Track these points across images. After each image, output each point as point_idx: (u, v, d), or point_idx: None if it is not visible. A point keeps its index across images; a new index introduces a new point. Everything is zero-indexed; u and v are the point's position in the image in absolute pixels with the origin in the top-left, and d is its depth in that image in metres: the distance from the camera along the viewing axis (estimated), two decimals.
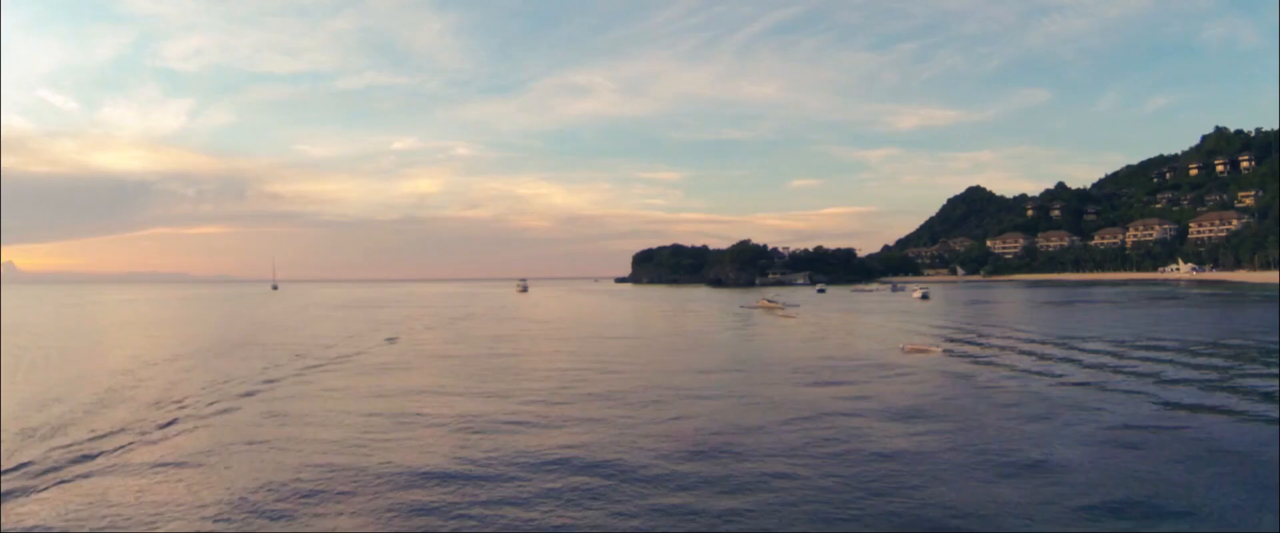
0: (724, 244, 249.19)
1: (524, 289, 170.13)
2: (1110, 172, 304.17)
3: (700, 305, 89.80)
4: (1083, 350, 33.08)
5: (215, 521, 11.57)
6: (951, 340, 38.70)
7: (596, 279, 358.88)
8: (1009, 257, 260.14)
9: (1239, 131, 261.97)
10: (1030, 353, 32.91)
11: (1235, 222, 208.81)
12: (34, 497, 12.90)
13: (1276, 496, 11.36)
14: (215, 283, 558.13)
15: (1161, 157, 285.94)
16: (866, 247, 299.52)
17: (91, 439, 17.14)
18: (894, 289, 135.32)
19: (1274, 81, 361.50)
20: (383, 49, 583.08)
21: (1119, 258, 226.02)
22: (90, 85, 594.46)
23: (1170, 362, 28.63)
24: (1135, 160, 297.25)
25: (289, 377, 27.60)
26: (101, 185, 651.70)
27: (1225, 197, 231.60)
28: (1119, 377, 25.08)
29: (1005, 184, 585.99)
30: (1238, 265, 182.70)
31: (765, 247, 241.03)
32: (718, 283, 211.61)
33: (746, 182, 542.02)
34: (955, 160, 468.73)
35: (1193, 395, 21.35)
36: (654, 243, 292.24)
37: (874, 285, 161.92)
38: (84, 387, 25.55)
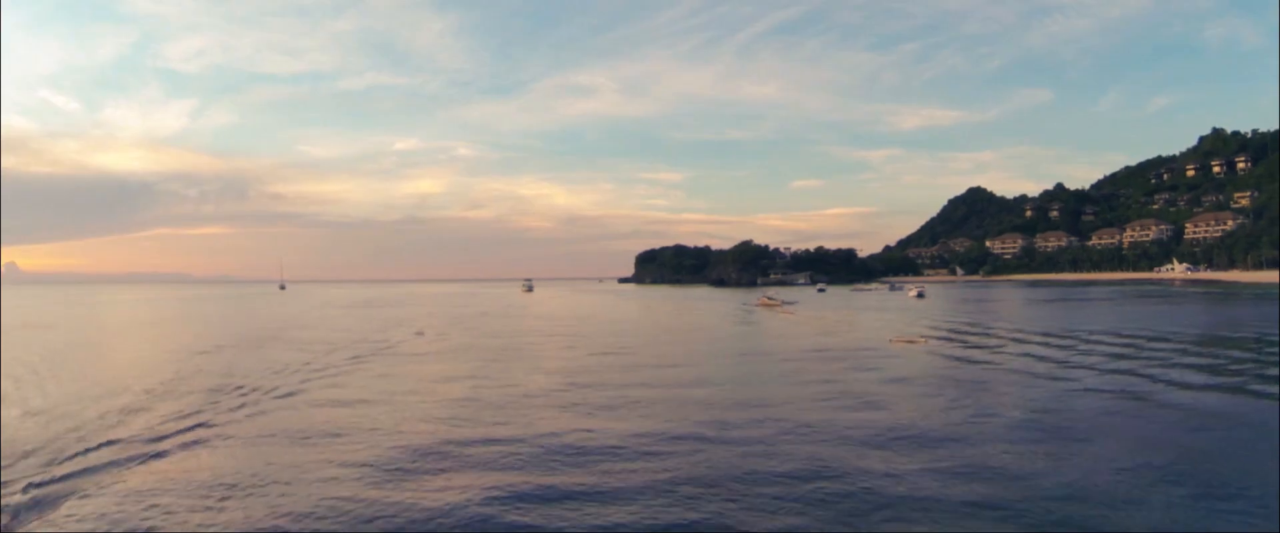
0: (726, 244, 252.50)
1: (529, 289, 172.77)
2: (1112, 172, 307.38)
3: (704, 304, 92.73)
4: (1053, 340, 35.99)
5: (344, 480, 14.45)
6: (939, 333, 41.59)
7: (600, 279, 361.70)
8: (1008, 257, 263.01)
9: (1236, 133, 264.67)
10: (1007, 342, 35.80)
11: (1230, 222, 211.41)
12: (152, 463, 15.73)
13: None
14: (217, 283, 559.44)
15: (1159, 158, 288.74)
16: (868, 247, 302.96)
17: (179, 416, 19.82)
18: (892, 289, 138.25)
19: (1274, 82, 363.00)
20: (383, 49, 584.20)
21: (1116, 258, 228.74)
22: (92, 86, 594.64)
23: (1131, 348, 31.49)
24: (1137, 161, 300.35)
25: (343, 362, 30.62)
26: (103, 186, 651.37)
27: (1221, 197, 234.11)
28: (1077, 357, 28.00)
29: (1007, 184, 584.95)
30: (1231, 265, 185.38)
31: (767, 247, 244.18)
32: (720, 283, 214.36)
33: (748, 182, 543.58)
34: (956, 161, 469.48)
35: (1137, 371, 24.19)
36: (656, 243, 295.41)
37: (874, 285, 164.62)
38: (148, 375, 28.26)
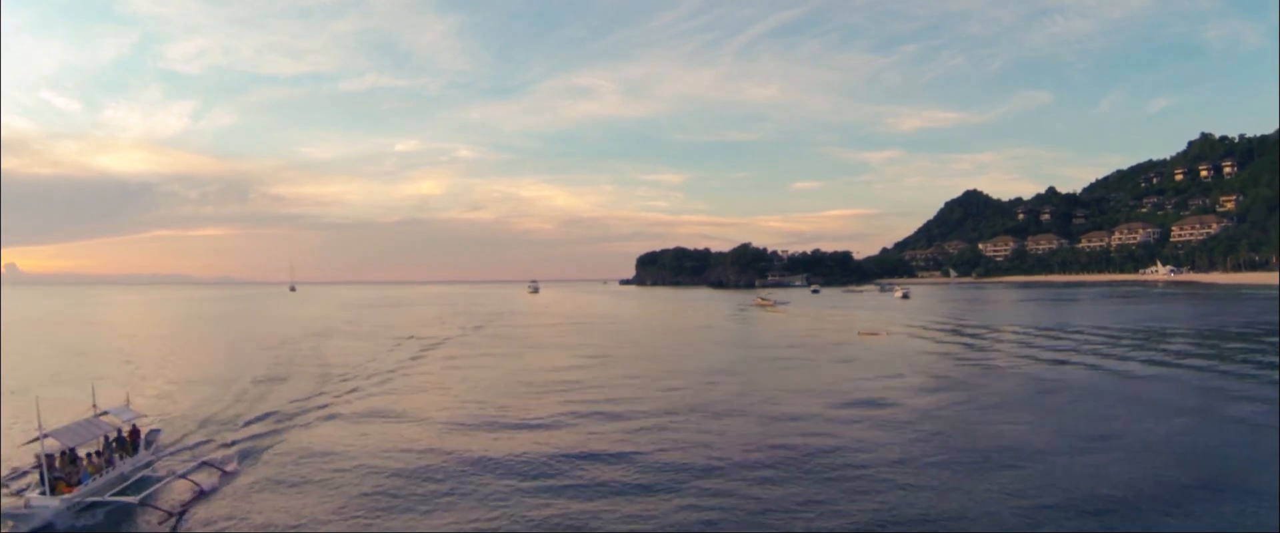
0: (726, 246, 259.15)
1: (535, 290, 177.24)
2: (1104, 175, 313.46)
3: (706, 304, 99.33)
4: (993, 331, 42.61)
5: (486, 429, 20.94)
6: (904, 327, 48.17)
7: (605, 281, 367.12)
8: (1000, 259, 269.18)
9: (1224, 137, 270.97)
10: (954, 333, 42.38)
11: (1214, 225, 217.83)
12: (317, 427, 22.12)
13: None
14: (219, 285, 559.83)
15: (1150, 162, 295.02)
16: (868, 249, 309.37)
17: (322, 392, 25.95)
18: (882, 290, 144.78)
19: (1274, 84, 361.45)
20: (385, 51, 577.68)
21: (1104, 260, 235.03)
22: (93, 87, 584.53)
23: (1049, 340, 38.02)
24: (1135, 163, 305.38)
25: (425, 351, 37.55)
26: (104, 187, 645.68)
27: (1207, 201, 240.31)
28: (993, 342, 34.60)
29: (1008, 186, 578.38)
30: (1212, 267, 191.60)
31: (765, 250, 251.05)
32: (719, 285, 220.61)
33: (749, 183, 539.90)
34: (958, 162, 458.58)
35: (1030, 357, 30.76)
36: (656, 245, 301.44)
37: (865, 287, 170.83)
38: (249, 363, 34.55)
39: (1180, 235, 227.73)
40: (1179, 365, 27.66)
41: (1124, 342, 36.35)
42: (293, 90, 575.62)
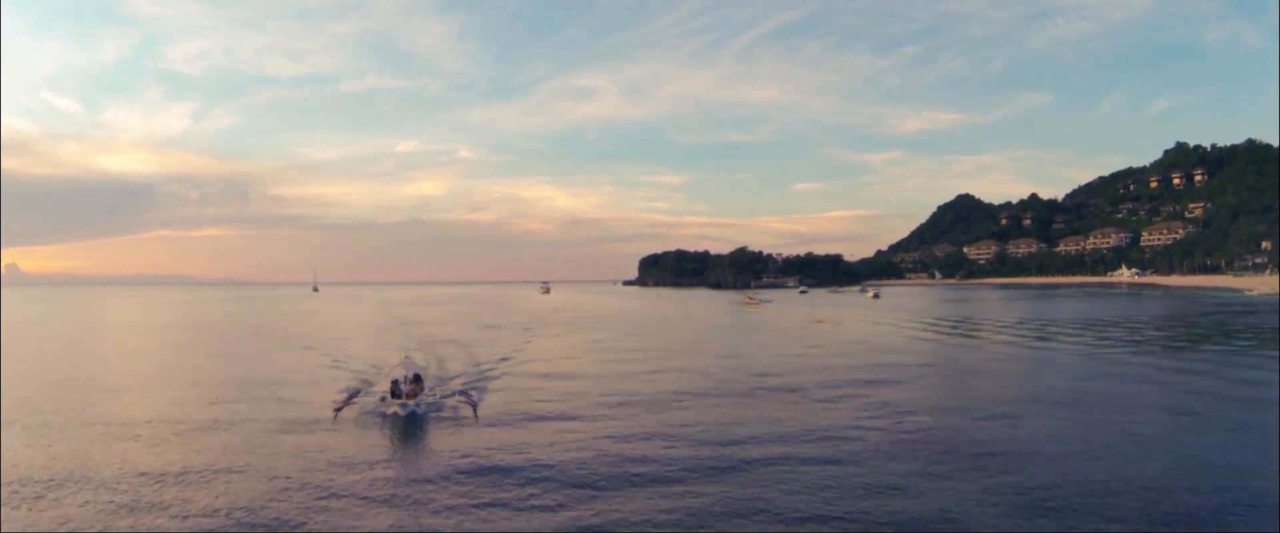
0: (726, 248, 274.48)
1: (546, 291, 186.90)
2: (1086, 182, 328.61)
3: (702, 303, 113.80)
4: (916, 319, 56.92)
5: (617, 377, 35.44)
6: (858, 318, 62.59)
7: (614, 282, 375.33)
8: (982, 262, 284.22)
9: (1198, 147, 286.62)
10: (895, 324, 56.69)
11: (1181, 231, 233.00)
12: (507, 378, 36.34)
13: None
14: (221, 285, 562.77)
15: (1129, 169, 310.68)
16: (867, 250, 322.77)
17: (478, 361, 39.80)
18: (861, 291, 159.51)
19: (1274, 85, 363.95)
20: (385, 52, 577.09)
21: (1077, 263, 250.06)
22: (93, 88, 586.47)
23: (974, 329, 52.31)
24: (1131, 166, 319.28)
25: (527, 333, 51.11)
26: (104, 188, 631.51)
27: (1177, 207, 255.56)
28: (911, 327, 48.97)
29: (1008, 187, 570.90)
30: (1171, 271, 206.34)
31: (761, 253, 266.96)
32: (717, 286, 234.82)
33: (749, 185, 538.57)
34: (958, 163, 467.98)
35: (949, 343, 45.13)
36: (657, 247, 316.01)
37: (850, 288, 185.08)
38: (394, 343, 47.79)
39: (1149, 240, 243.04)
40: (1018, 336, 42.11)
41: (1010, 328, 50.95)
42: (293, 91, 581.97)
